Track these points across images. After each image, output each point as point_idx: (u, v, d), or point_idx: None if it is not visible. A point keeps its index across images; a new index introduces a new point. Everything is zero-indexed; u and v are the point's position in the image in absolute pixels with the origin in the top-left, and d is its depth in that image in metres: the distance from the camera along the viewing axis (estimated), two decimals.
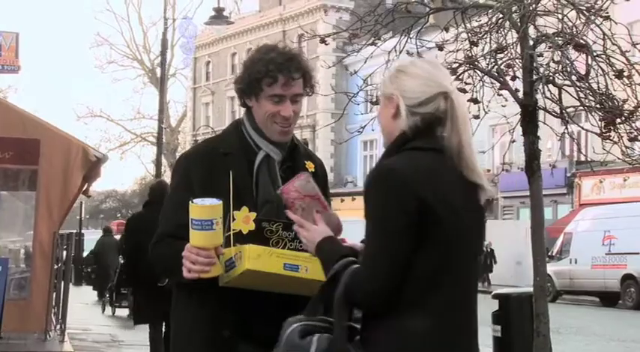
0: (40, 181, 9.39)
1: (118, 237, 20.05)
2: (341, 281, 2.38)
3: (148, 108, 61.49)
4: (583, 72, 6.37)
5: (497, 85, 6.54)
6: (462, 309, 2.42)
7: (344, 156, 43.09)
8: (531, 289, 6.75)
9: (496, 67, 6.41)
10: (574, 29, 6.25)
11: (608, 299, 22.68)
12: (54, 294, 10.11)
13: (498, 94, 6.67)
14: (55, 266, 9.86)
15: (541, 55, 6.49)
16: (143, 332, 9.21)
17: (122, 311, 17.22)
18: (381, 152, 2.62)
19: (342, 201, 34.76)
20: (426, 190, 2.36)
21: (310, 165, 3.03)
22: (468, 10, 6.71)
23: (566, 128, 6.81)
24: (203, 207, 2.66)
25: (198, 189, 2.83)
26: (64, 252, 10.86)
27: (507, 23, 6.37)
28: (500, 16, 6.36)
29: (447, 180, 2.41)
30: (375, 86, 6.72)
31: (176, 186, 2.98)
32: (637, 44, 6.38)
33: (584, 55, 6.37)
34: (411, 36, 6.77)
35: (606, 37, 6.31)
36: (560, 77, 6.43)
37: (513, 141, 6.95)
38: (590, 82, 6.33)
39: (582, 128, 7.01)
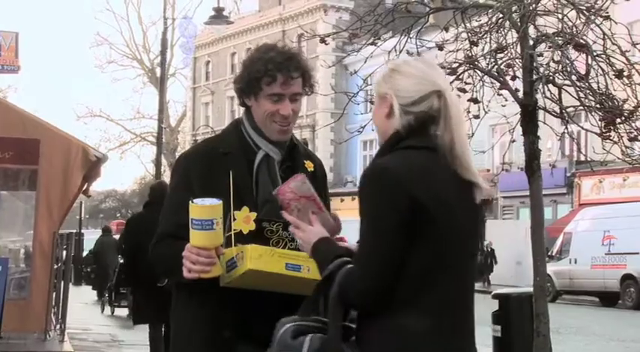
0: (40, 181, 9.39)
1: (117, 236, 20.06)
2: (335, 281, 2.38)
3: (148, 108, 61.33)
4: (583, 72, 6.37)
5: (497, 84, 6.55)
6: (457, 308, 2.41)
7: (344, 156, 43.09)
8: (531, 289, 6.75)
9: (496, 66, 6.42)
10: (574, 29, 6.25)
11: (607, 299, 22.68)
12: (54, 294, 10.11)
13: (498, 94, 6.67)
14: (55, 266, 9.85)
15: (541, 54, 6.50)
16: (143, 332, 9.21)
17: (121, 311, 17.23)
18: None
19: (342, 200, 34.75)
20: (419, 189, 2.36)
21: (309, 165, 3.04)
22: (468, 10, 6.72)
23: (566, 128, 6.81)
24: (203, 207, 2.66)
25: (197, 188, 2.82)
26: (64, 252, 10.86)
27: (507, 23, 6.38)
28: (500, 15, 6.37)
29: (440, 178, 2.41)
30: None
31: (175, 186, 2.98)
32: (637, 44, 6.38)
33: (584, 55, 6.38)
34: (411, 36, 6.77)
35: (606, 37, 6.32)
36: (560, 77, 6.43)
37: (513, 141, 6.95)
38: (590, 81, 6.34)
39: (582, 128, 7.01)
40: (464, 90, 6.51)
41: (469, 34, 6.51)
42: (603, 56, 6.33)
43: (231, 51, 49.65)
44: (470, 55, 6.49)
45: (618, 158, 6.75)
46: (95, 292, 21.69)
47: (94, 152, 9.82)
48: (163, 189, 7.83)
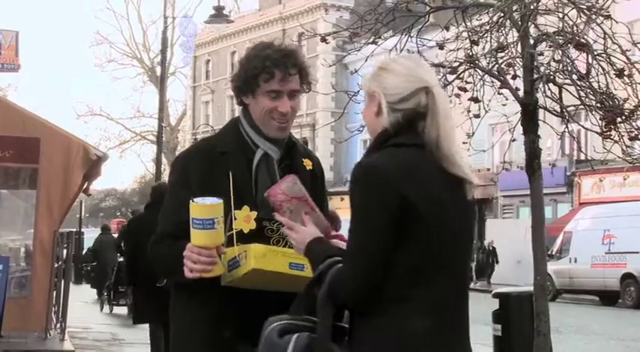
0: (41, 180, 9.39)
1: (116, 235, 20.09)
2: (325, 280, 2.38)
3: (148, 107, 61.66)
4: (584, 71, 6.37)
5: (498, 83, 6.54)
6: (450, 307, 2.40)
7: (344, 155, 43.08)
8: (531, 288, 6.75)
9: (497, 65, 6.41)
10: (575, 28, 6.25)
11: (607, 298, 22.69)
12: (54, 293, 10.12)
13: (499, 93, 6.66)
14: (56, 265, 9.86)
15: (542, 53, 6.49)
16: (143, 330, 9.22)
17: (120, 309, 17.27)
18: None
19: (342, 199, 34.73)
20: (408, 187, 2.35)
21: (308, 163, 3.04)
22: (469, 9, 6.71)
23: (567, 127, 6.81)
24: (204, 206, 2.66)
25: (196, 188, 2.82)
26: (65, 251, 10.87)
27: (508, 22, 6.37)
28: (501, 14, 6.36)
29: (429, 175, 2.41)
30: None
31: (174, 185, 2.97)
32: (637, 43, 6.38)
33: (584, 54, 6.37)
34: (411, 35, 6.76)
35: (607, 36, 6.31)
36: (560, 76, 6.43)
37: (514, 140, 6.95)
38: (590, 81, 6.33)
39: (583, 127, 7.02)
40: (464, 90, 6.51)
41: (470, 33, 6.50)
42: (604, 55, 6.32)
43: (232, 50, 49.64)
44: (470, 54, 6.49)
45: (619, 157, 6.75)
46: (94, 291, 21.71)
47: (94, 151, 9.83)
48: (164, 190, 7.82)
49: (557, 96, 6.55)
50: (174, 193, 2.95)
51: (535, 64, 6.39)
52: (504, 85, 6.46)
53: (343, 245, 2.57)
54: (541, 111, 6.59)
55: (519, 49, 6.44)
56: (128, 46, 48.83)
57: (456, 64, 6.47)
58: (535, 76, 6.36)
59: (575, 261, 23.51)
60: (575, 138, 7.49)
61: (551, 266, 20.26)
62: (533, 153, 6.49)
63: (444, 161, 2.42)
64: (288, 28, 45.62)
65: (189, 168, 2.92)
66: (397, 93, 2.46)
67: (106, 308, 18.22)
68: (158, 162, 22.30)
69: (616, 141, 6.50)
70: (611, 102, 6.30)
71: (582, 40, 6.20)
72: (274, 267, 2.67)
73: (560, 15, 6.40)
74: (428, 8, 6.89)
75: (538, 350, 6.41)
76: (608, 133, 6.44)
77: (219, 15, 20.38)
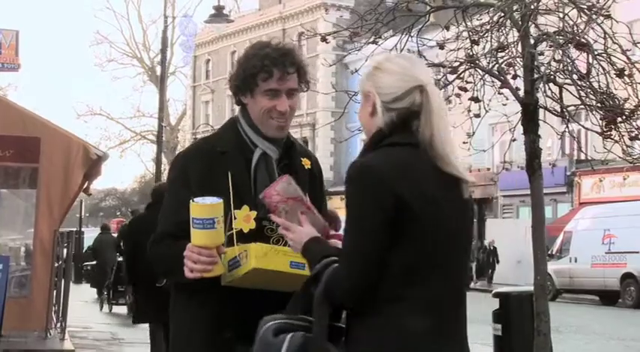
0: (41, 179, 9.39)
1: (115, 234, 20.11)
2: (322, 280, 2.38)
3: (148, 107, 61.64)
4: (584, 71, 6.37)
5: (498, 83, 6.54)
6: (445, 305, 2.39)
7: (344, 155, 43.05)
8: (532, 288, 6.75)
9: (497, 65, 6.41)
10: (575, 28, 6.25)
11: (607, 297, 22.70)
12: (54, 292, 10.12)
13: (499, 93, 6.66)
14: (56, 264, 9.86)
15: (542, 53, 6.49)
16: (143, 330, 9.22)
17: (119, 309, 17.29)
18: None
19: (342, 199, 34.66)
20: (403, 186, 2.35)
21: (306, 162, 3.03)
22: (469, 9, 6.71)
23: (567, 127, 6.81)
24: (204, 206, 2.65)
25: (196, 188, 2.81)
26: (65, 250, 10.87)
27: (508, 22, 6.37)
28: (502, 14, 6.36)
29: (423, 174, 2.40)
30: None
31: (174, 185, 2.97)
32: (638, 43, 6.38)
33: (585, 54, 6.37)
34: (411, 34, 6.76)
35: (607, 36, 6.31)
36: (561, 76, 6.43)
37: (514, 140, 6.95)
38: (591, 80, 6.33)
39: (583, 127, 7.02)
40: (465, 89, 6.51)
41: (470, 33, 6.50)
42: (604, 55, 6.32)
43: (232, 49, 49.63)
44: (471, 53, 6.49)
45: (619, 157, 6.75)
46: (94, 290, 21.73)
47: (94, 150, 9.83)
48: (165, 190, 7.83)
49: (558, 96, 6.55)
50: (173, 193, 2.94)
51: (535, 63, 6.39)
52: (505, 85, 6.46)
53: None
54: (541, 111, 6.59)
55: (520, 48, 6.44)
56: (128, 46, 48.87)
57: (457, 63, 6.47)
58: (535, 75, 6.36)
59: (576, 261, 23.51)
60: (576, 138, 7.49)
61: (552, 266, 20.27)
62: (533, 152, 6.49)
63: (438, 160, 2.42)
64: (288, 27, 45.62)
65: (188, 167, 2.92)
66: (391, 92, 2.45)
67: (106, 307, 18.25)
68: (158, 161, 22.30)
69: (616, 141, 6.50)
70: (611, 102, 6.30)
71: (583, 40, 6.20)
72: (275, 266, 2.67)
73: (561, 15, 6.40)
74: (428, 8, 6.89)
75: (538, 350, 6.41)
76: (609, 133, 6.44)
77: (219, 14, 20.38)
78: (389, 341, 2.32)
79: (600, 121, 6.42)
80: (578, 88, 6.36)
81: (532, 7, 6.30)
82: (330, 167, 41.89)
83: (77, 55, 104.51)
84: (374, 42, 6.88)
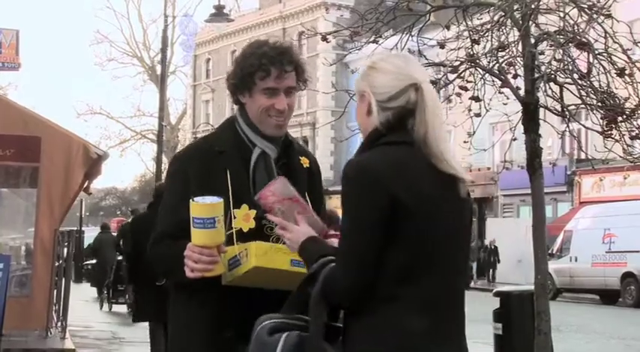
0: (42, 178, 9.39)
1: (115, 234, 20.13)
2: (318, 279, 2.38)
3: (148, 106, 61.64)
4: (584, 70, 6.37)
5: (499, 83, 6.54)
6: (440, 304, 2.38)
7: (344, 154, 43.02)
8: (532, 287, 6.75)
9: (497, 65, 6.41)
10: (576, 27, 6.25)
11: (608, 297, 22.71)
12: (55, 291, 10.12)
13: (500, 92, 6.66)
14: (56, 264, 9.86)
15: (542, 53, 6.49)
16: (143, 329, 9.23)
17: (119, 308, 17.31)
18: None
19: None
20: (399, 186, 2.34)
21: (305, 161, 3.03)
22: (470, 8, 6.71)
23: (568, 126, 6.81)
24: (204, 205, 2.65)
25: (195, 187, 2.81)
26: (65, 250, 10.87)
27: (509, 21, 6.37)
28: (502, 14, 6.36)
29: (418, 172, 2.39)
30: None
31: (172, 185, 2.96)
32: (638, 42, 6.38)
33: (585, 53, 6.37)
34: (412, 34, 6.76)
35: (608, 35, 6.31)
36: (561, 75, 6.43)
37: (514, 139, 6.95)
38: (591, 80, 6.33)
39: (584, 126, 7.02)
40: (465, 89, 6.51)
41: (470, 33, 6.50)
42: (605, 54, 6.32)
43: (232, 48, 49.62)
44: (471, 53, 6.49)
45: (620, 156, 6.75)
46: (94, 289, 21.75)
47: (94, 149, 9.83)
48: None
49: (558, 95, 6.55)
50: (172, 192, 2.94)
51: (536, 63, 6.39)
52: (505, 84, 6.46)
53: None
54: (542, 111, 6.59)
55: (520, 48, 6.44)
56: (128, 45, 48.89)
57: (457, 63, 6.47)
58: (536, 75, 6.36)
59: (576, 260, 23.52)
60: (576, 138, 7.50)
61: (552, 266, 20.26)
62: (533, 152, 6.49)
63: (432, 157, 2.41)
64: (289, 26, 45.62)
65: (186, 167, 2.91)
66: (386, 92, 2.45)
67: (106, 306, 18.27)
68: (158, 161, 22.33)
69: (617, 141, 6.50)
70: (611, 102, 6.30)
71: (583, 39, 6.20)
72: (276, 265, 2.67)
73: (561, 14, 6.40)
74: (429, 7, 6.89)
75: (539, 349, 6.42)
76: (609, 132, 6.44)
77: (219, 14, 20.39)
78: (385, 340, 2.32)
79: (601, 121, 6.42)
80: (579, 87, 6.37)
81: (532, 6, 6.30)
82: (331, 166, 41.88)
83: (77, 55, 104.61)
84: (374, 41, 6.88)
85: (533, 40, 6.39)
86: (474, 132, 6.83)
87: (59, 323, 10.13)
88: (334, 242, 2.62)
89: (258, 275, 2.69)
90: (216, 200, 2.67)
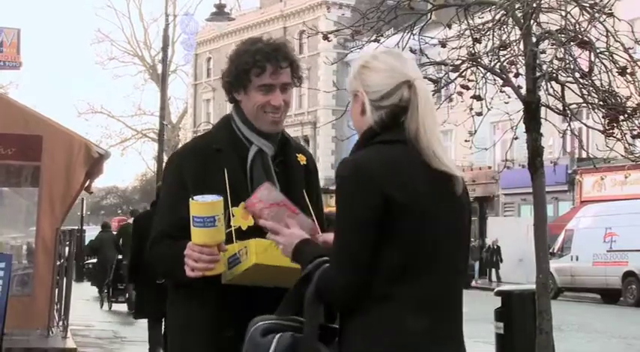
0: (43, 177, 9.39)
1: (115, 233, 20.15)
2: (313, 280, 2.37)
3: (149, 105, 61.66)
4: (586, 69, 6.36)
5: (500, 81, 6.53)
6: (437, 303, 2.37)
7: (345, 153, 42.91)
8: (534, 286, 6.75)
9: (499, 63, 6.40)
10: (577, 26, 6.24)
11: (609, 296, 22.70)
12: (56, 290, 10.12)
13: (501, 91, 6.66)
14: (58, 263, 9.86)
15: (544, 51, 6.49)
16: (144, 328, 9.23)
17: (119, 306, 17.33)
18: None
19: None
20: (393, 184, 2.33)
21: (302, 158, 3.03)
22: (471, 7, 6.70)
23: (569, 125, 6.80)
24: (204, 204, 2.64)
25: (192, 186, 2.80)
26: (66, 248, 10.87)
27: (510, 20, 6.37)
28: (504, 12, 6.36)
29: (412, 170, 2.38)
30: None
31: (170, 185, 2.95)
32: None
33: (587, 52, 6.37)
34: (413, 32, 6.75)
35: (609, 34, 6.30)
36: (563, 74, 6.42)
37: (516, 138, 6.94)
38: (593, 79, 6.32)
39: (585, 125, 7.01)
40: (467, 88, 6.50)
41: (472, 31, 6.49)
42: (606, 53, 6.32)
43: (233, 48, 49.48)
44: (473, 52, 6.48)
45: (621, 155, 6.74)
46: (95, 288, 21.75)
47: (96, 148, 9.82)
48: None
49: (560, 94, 6.55)
50: (169, 192, 2.93)
51: (537, 62, 6.39)
52: (506, 83, 6.46)
53: None
54: (543, 109, 6.59)
55: (522, 47, 6.43)
56: (129, 44, 48.92)
57: (459, 61, 6.47)
58: (537, 73, 6.36)
59: (577, 259, 23.52)
60: (577, 136, 7.49)
61: (553, 265, 20.28)
62: (535, 151, 6.48)
63: (424, 155, 2.39)
64: (290, 25, 45.61)
65: (183, 166, 2.90)
66: (379, 90, 2.43)
67: (106, 305, 18.28)
68: (159, 159, 22.32)
69: (618, 139, 6.50)
70: (613, 100, 6.30)
71: (585, 38, 6.20)
72: (276, 262, 2.66)
73: (563, 13, 6.40)
74: (430, 6, 6.88)
75: (540, 348, 6.41)
76: (611, 131, 6.43)
77: (220, 13, 20.37)
78: (380, 340, 2.31)
79: (602, 119, 6.41)
80: (580, 86, 6.36)
81: (534, 5, 6.30)
82: (331, 165, 41.80)
83: (78, 53, 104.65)
84: (376, 40, 6.87)
85: (534, 39, 6.39)
86: (476, 131, 6.82)
87: (61, 323, 10.12)
88: (329, 236, 2.61)
89: (259, 273, 2.69)
90: (216, 198, 2.66)
